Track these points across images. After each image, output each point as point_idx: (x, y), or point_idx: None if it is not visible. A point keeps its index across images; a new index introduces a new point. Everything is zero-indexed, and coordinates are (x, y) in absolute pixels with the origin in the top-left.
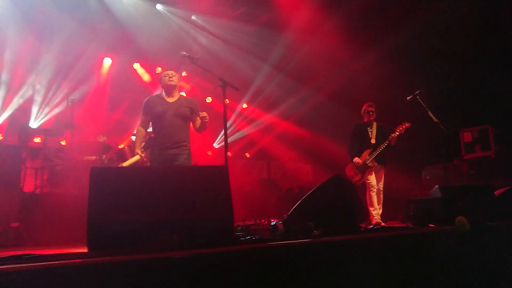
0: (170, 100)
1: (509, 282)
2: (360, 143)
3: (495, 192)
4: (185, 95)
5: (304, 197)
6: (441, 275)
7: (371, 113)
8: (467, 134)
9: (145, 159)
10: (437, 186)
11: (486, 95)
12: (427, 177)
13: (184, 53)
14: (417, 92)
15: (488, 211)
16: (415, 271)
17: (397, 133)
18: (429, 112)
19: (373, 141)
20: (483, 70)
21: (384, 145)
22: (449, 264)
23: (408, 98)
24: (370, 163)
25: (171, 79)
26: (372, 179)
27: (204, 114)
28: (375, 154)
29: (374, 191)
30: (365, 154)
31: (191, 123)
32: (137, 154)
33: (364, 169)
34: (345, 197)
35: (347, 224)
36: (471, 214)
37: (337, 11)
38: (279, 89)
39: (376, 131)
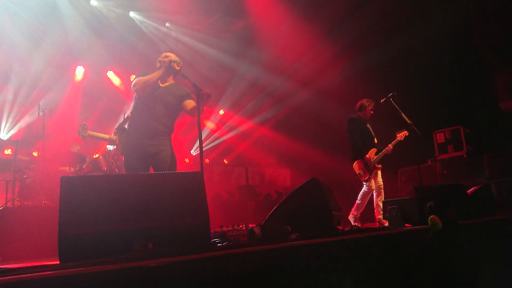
0: (162, 84)
1: (481, 277)
2: (364, 140)
3: (468, 191)
4: None
5: (281, 201)
6: (417, 273)
7: (372, 112)
8: (440, 135)
9: (116, 141)
10: (411, 186)
11: (457, 97)
12: (403, 178)
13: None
14: (390, 94)
15: (460, 210)
16: (392, 270)
17: (398, 139)
18: (402, 114)
19: (376, 140)
20: (454, 72)
21: (388, 148)
22: (424, 262)
23: (381, 100)
24: (377, 164)
25: (163, 61)
26: (373, 183)
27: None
28: (382, 155)
29: (370, 195)
30: (372, 153)
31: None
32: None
33: (372, 169)
34: (322, 200)
35: (325, 226)
36: (443, 213)
37: (311, 15)
38: (255, 95)
39: (372, 129)
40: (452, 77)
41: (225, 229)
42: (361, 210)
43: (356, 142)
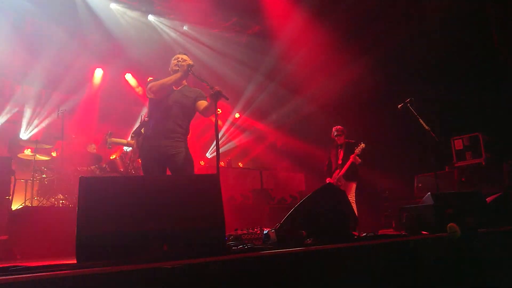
0: (176, 88)
1: (499, 286)
2: (332, 164)
3: (487, 199)
4: None
5: (296, 205)
6: (434, 281)
7: (338, 137)
8: (458, 142)
9: (134, 146)
10: (429, 193)
11: (476, 103)
12: (419, 185)
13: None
14: (407, 100)
15: (479, 218)
16: (408, 278)
17: (355, 154)
18: (420, 119)
19: (339, 161)
20: (473, 77)
21: (347, 165)
22: (441, 270)
23: (399, 106)
24: (337, 182)
25: (181, 64)
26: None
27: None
28: (342, 173)
29: None
30: (335, 173)
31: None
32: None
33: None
34: (337, 205)
35: (340, 232)
36: (462, 221)
37: (327, 22)
38: (271, 99)
39: (344, 151)
40: (471, 83)
41: (239, 232)
42: None
43: (325, 168)
